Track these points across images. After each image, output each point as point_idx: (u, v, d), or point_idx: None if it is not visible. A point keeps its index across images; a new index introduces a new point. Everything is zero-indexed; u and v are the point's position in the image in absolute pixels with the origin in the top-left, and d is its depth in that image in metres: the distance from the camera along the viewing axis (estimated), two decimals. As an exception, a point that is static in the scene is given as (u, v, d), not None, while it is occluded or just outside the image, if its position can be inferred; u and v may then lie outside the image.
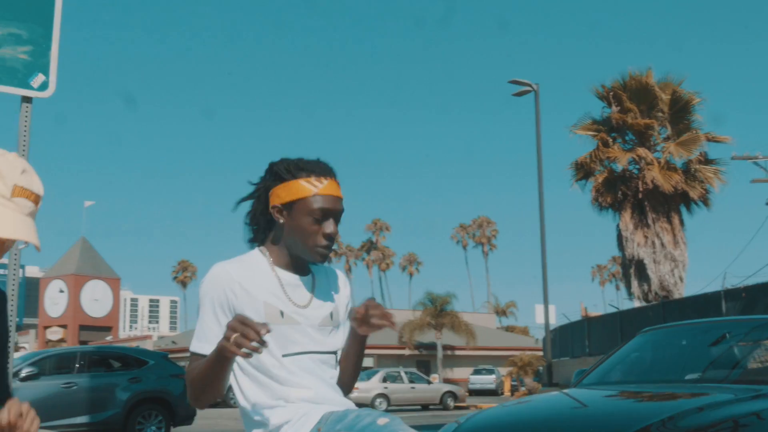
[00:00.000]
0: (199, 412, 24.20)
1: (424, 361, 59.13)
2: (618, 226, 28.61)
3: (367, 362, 56.70)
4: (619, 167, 28.51)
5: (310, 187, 2.44)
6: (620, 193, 28.48)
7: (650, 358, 6.17)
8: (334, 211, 2.48)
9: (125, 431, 14.56)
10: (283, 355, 2.43)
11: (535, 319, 30.99)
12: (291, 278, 2.51)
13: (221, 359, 2.24)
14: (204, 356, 2.37)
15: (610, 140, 28.70)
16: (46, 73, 4.83)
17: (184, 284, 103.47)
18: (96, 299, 53.51)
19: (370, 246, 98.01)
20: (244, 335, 2.10)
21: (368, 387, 30.05)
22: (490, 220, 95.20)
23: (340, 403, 2.47)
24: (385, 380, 30.97)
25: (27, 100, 4.82)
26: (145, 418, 14.81)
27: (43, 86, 4.82)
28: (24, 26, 4.79)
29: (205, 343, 2.40)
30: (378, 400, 29.73)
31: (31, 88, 4.80)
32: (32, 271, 78.64)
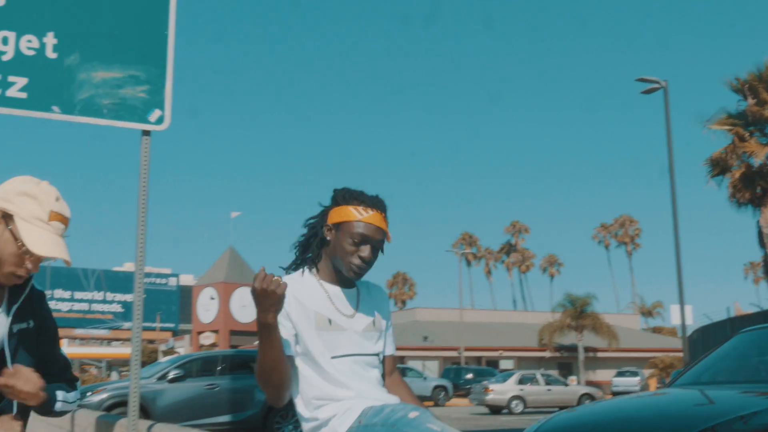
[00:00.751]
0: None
1: (565, 363, 58.54)
2: (758, 222, 27.70)
3: (507, 364, 56.60)
4: (757, 162, 27.59)
5: (356, 214, 2.87)
6: (759, 188, 27.58)
7: (745, 358, 6.20)
8: (372, 239, 2.88)
9: (264, 430, 15.37)
10: (332, 357, 2.87)
11: (671, 320, 30.28)
12: (337, 291, 2.94)
13: (263, 328, 2.62)
14: None
15: (747, 134, 27.81)
16: (161, 108, 5.48)
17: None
18: (244, 306, 55.57)
19: (509, 248, 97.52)
20: (266, 280, 2.53)
21: (504, 389, 30.19)
22: (632, 218, 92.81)
23: (380, 399, 2.88)
24: (520, 382, 31.02)
25: (146, 133, 5.49)
26: (282, 418, 15.59)
27: (160, 120, 5.48)
28: (142, 68, 5.46)
29: None
30: (514, 402, 29.83)
31: (149, 122, 5.46)
32: (187, 279, 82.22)
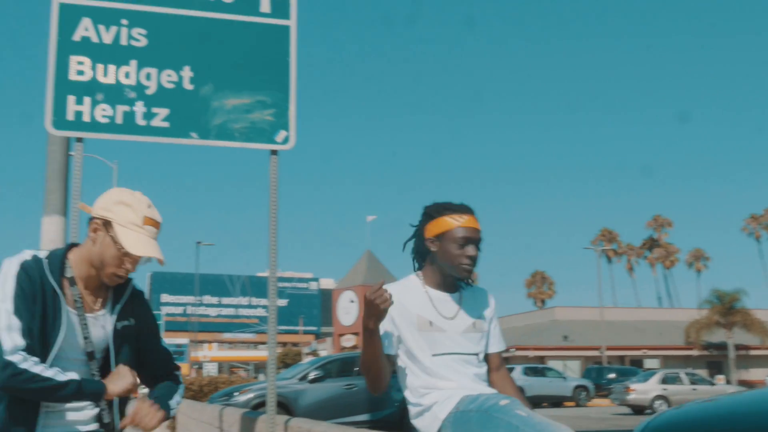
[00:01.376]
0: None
1: (714, 362, 56.71)
2: None
3: (652, 364, 55.33)
4: None
5: (453, 222, 3.27)
6: None
7: None
8: (473, 239, 3.28)
9: (401, 428, 15.84)
10: (433, 355, 3.27)
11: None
12: (440, 295, 3.34)
13: (365, 330, 3.05)
14: None
15: None
16: (287, 129, 5.98)
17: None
18: (384, 308, 56.52)
19: (651, 243, 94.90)
20: (376, 294, 2.91)
21: (646, 389, 29.70)
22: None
23: (477, 390, 3.26)
24: (664, 381, 30.43)
25: (273, 153, 6.01)
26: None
27: (285, 140, 5.98)
28: (268, 94, 5.97)
29: None
30: (657, 402, 29.30)
31: (276, 143, 5.96)
32: (327, 283, 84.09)
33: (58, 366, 2.66)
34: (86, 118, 5.62)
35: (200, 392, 17.05)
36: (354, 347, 55.31)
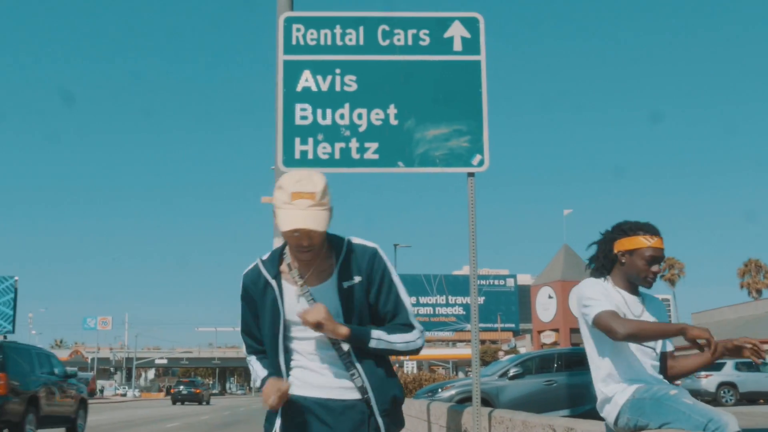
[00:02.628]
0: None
1: None
2: None
3: None
4: None
5: (645, 242, 3.94)
6: None
7: None
8: (659, 258, 3.94)
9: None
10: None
11: None
12: (629, 297, 4.00)
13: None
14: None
15: None
16: (481, 153, 6.73)
17: (672, 282, 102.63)
18: (583, 303, 56.02)
19: None
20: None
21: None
22: None
23: (654, 380, 3.89)
24: None
25: (471, 175, 6.78)
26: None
27: (480, 163, 6.73)
28: (463, 123, 6.75)
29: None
30: None
31: (473, 165, 6.73)
32: (524, 279, 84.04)
33: (298, 339, 3.09)
34: (310, 156, 6.63)
35: (405, 389, 18.07)
36: (554, 343, 55.24)
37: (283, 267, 3.10)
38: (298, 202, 2.89)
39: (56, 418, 16.95)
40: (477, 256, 6.74)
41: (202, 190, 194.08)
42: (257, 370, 3.19)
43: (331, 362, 3.07)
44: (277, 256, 3.12)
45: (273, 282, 3.07)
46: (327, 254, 3.08)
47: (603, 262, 4.07)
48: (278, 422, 3.06)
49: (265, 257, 3.15)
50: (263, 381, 3.12)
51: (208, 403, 60.28)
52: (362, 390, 3.02)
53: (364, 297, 3.07)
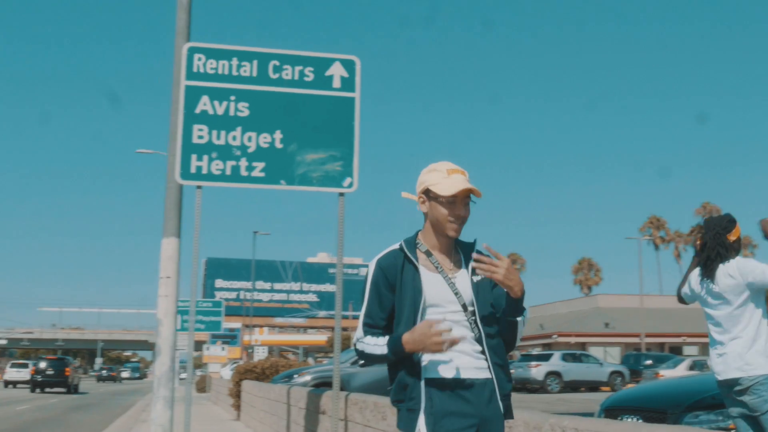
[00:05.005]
0: (515, 397, 26.61)
1: None
2: None
3: (692, 351, 56.45)
4: None
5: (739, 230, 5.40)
6: None
7: None
8: None
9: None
10: None
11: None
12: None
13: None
14: None
15: None
16: (351, 176, 7.89)
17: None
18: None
19: (700, 231, 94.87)
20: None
21: (674, 375, 31.08)
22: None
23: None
24: (691, 368, 31.89)
25: (341, 195, 7.93)
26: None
27: (350, 185, 7.90)
28: (337, 149, 7.88)
29: None
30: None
31: (344, 187, 7.89)
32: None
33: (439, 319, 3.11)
34: (204, 171, 7.63)
35: (263, 374, 19.03)
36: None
37: (419, 254, 3.28)
38: (455, 176, 3.24)
39: None
40: (342, 267, 7.90)
41: (45, 167, 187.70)
42: (376, 341, 3.19)
43: (466, 344, 3.19)
44: (412, 243, 3.30)
45: (418, 265, 3.22)
46: (455, 248, 3.36)
47: (720, 251, 5.30)
48: (423, 399, 3.12)
49: (396, 246, 3.30)
50: (393, 340, 3.13)
51: (76, 391, 45.11)
52: (488, 370, 3.20)
53: (489, 292, 3.31)
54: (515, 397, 26.24)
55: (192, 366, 8.13)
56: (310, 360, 66.49)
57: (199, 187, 7.69)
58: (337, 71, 7.98)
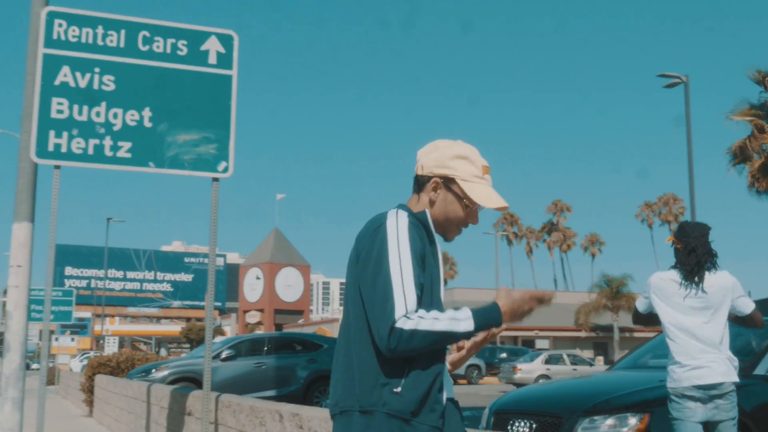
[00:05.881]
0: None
1: (600, 344, 59.78)
2: (777, 210, 28.91)
3: (543, 344, 58.12)
4: (776, 152, 28.70)
5: None
6: (779, 178, 28.76)
7: (654, 348, 7.62)
8: None
9: (305, 403, 17.25)
10: None
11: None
12: None
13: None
14: None
15: (767, 125, 28.94)
16: (227, 160, 7.32)
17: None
18: (289, 285, 57.49)
19: (551, 227, 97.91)
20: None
21: (531, 368, 31.88)
22: (676, 197, 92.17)
23: None
24: (547, 362, 32.74)
25: (215, 180, 7.35)
26: (320, 393, 17.52)
27: (225, 170, 7.33)
28: (212, 131, 7.30)
29: None
30: (540, 381, 31.58)
31: (218, 171, 7.31)
32: (233, 257, 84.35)
33: None
34: (64, 149, 6.89)
35: (118, 368, 18.06)
36: (259, 323, 56.28)
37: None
38: (487, 177, 2.72)
39: None
40: (216, 252, 7.34)
41: None
42: (447, 315, 2.44)
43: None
44: (428, 224, 2.62)
45: (438, 249, 2.64)
46: None
47: (709, 258, 5.16)
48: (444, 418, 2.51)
49: (405, 214, 2.58)
50: (487, 310, 2.51)
51: None
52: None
53: None
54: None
55: (47, 360, 7.40)
56: (163, 351, 64.74)
57: (57, 167, 6.95)
58: (213, 46, 7.38)
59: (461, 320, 2.43)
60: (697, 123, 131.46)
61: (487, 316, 2.48)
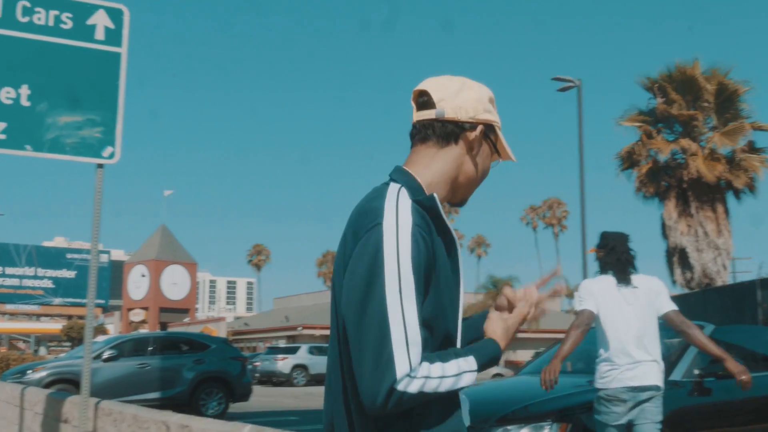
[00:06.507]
0: (261, 391, 26.05)
1: (487, 343, 60.51)
2: (662, 215, 29.63)
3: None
4: (662, 158, 29.38)
5: None
6: (664, 183, 29.48)
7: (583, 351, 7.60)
8: None
9: (190, 406, 16.62)
10: None
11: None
12: None
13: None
14: None
15: (654, 132, 29.60)
16: (113, 145, 6.72)
17: (258, 267, 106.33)
18: (174, 283, 56.31)
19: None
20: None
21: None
22: (560, 201, 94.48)
23: None
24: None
25: (100, 166, 6.74)
26: (207, 395, 16.90)
27: (111, 155, 6.72)
28: (97, 113, 6.69)
29: None
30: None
31: (103, 157, 6.70)
32: (118, 254, 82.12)
33: None
34: (-73, 128, 6.15)
35: (-9, 369, 17.06)
36: (143, 322, 54.86)
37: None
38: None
39: None
40: (98, 244, 6.74)
41: None
42: (451, 366, 1.86)
43: None
44: (440, 213, 1.95)
45: (454, 234, 1.99)
46: None
47: (629, 257, 5.19)
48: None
49: (410, 193, 1.94)
50: (484, 347, 1.97)
51: None
52: None
53: None
54: (260, 390, 25.56)
55: None
56: (43, 350, 62.34)
57: None
58: (101, 21, 6.75)
59: (465, 373, 1.88)
60: (589, 127, 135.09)
61: (490, 360, 1.97)
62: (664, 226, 29.53)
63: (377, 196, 1.93)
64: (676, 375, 6.11)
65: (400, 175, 2.01)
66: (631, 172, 30.25)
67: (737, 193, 29.23)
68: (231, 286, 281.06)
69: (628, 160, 30.08)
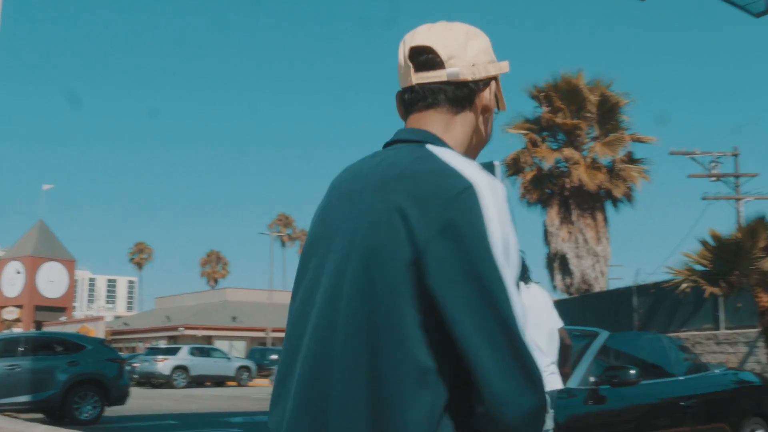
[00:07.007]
0: (140, 393, 25.32)
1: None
2: (544, 221, 30.26)
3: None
4: (546, 166, 30.00)
5: None
6: (547, 190, 30.13)
7: None
8: None
9: (63, 410, 15.91)
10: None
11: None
12: None
13: None
14: None
15: (539, 140, 30.19)
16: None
17: (140, 266, 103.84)
18: (51, 281, 54.38)
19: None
20: None
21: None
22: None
23: None
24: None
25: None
26: (81, 398, 16.20)
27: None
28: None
29: None
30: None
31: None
32: (-10, 250, 78.79)
33: None
34: None
35: None
36: (17, 320, 52.81)
37: None
38: None
39: None
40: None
41: None
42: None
43: None
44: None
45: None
46: None
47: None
48: None
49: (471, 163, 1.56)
50: None
51: None
52: None
53: None
54: (138, 392, 24.82)
55: None
56: None
57: None
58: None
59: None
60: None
61: None
62: (546, 232, 30.17)
63: (423, 157, 1.53)
64: (572, 383, 6.12)
65: (433, 138, 1.62)
66: (515, 179, 30.78)
67: (615, 202, 30.12)
68: (111, 285, 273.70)
69: (514, 167, 30.60)
